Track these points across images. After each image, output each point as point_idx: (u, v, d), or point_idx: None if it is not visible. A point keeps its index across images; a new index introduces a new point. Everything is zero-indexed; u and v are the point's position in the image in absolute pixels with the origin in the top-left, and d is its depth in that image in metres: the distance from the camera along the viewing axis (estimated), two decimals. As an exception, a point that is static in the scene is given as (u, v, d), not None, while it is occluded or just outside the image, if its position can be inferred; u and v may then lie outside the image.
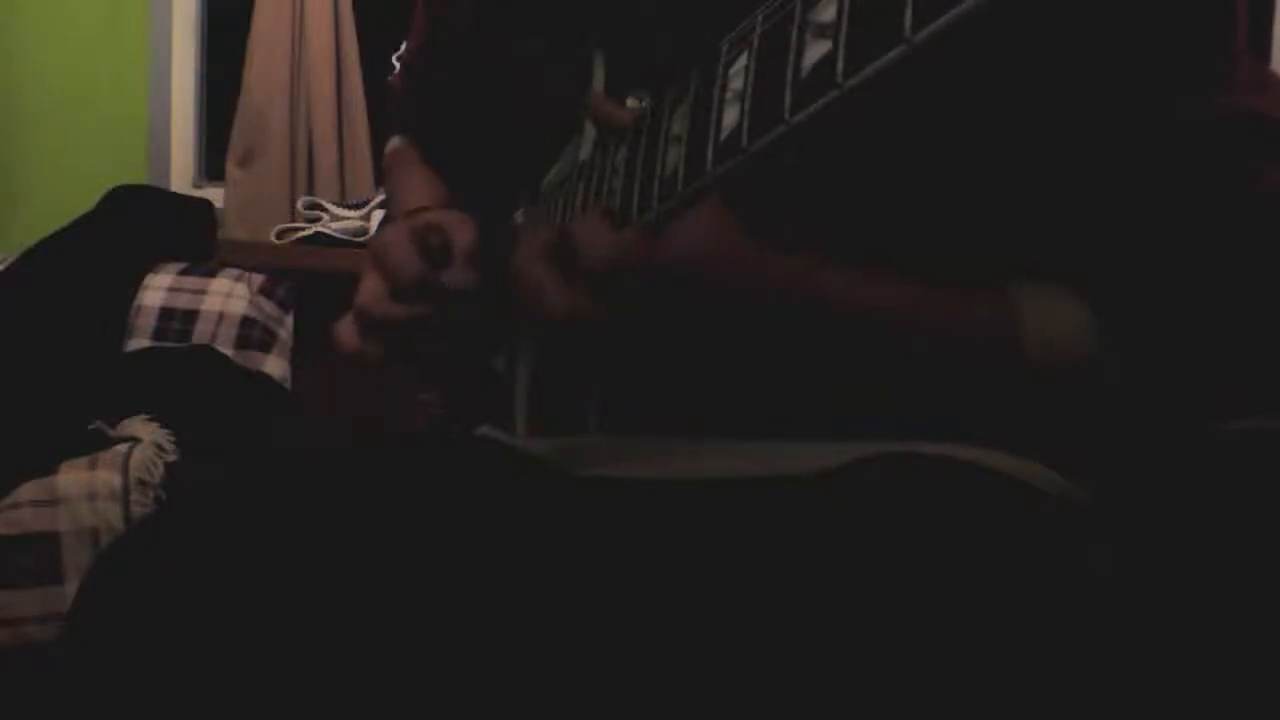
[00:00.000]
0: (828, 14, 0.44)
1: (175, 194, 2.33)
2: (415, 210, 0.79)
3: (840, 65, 0.42)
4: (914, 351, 0.60)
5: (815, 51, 0.44)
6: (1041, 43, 0.49)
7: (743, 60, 0.50)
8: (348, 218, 2.20)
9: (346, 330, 0.74)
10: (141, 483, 1.50)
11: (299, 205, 2.26)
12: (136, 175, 2.35)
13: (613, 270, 0.55)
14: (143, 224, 2.12)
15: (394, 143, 1.04)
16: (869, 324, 0.59)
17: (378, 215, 2.17)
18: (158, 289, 2.01)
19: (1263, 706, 0.68)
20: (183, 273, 2.05)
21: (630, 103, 0.67)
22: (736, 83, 0.50)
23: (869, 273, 0.58)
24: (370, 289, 0.73)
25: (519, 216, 0.81)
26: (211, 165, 2.52)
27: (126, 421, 1.62)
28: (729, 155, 0.49)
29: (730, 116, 0.50)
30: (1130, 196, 0.59)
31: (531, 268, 0.58)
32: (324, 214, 2.21)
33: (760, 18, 0.49)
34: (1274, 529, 0.73)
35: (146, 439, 1.57)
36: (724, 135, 0.50)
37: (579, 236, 0.57)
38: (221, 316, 1.98)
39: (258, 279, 2.05)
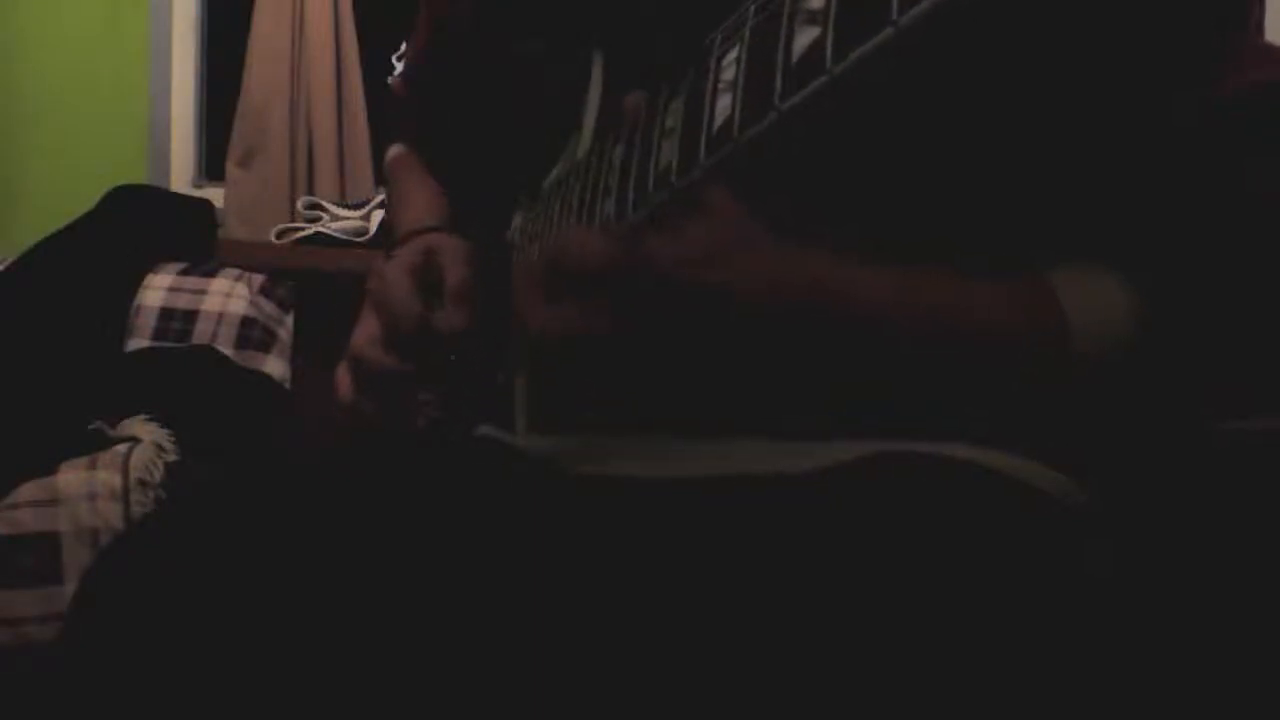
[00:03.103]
0: (817, 1, 0.44)
1: (175, 194, 2.33)
2: (414, 233, 0.79)
3: (829, 51, 0.42)
4: (953, 353, 0.59)
5: (805, 38, 0.44)
6: (1034, 24, 0.49)
7: (735, 51, 0.50)
8: (348, 218, 2.20)
9: (343, 378, 0.73)
10: (141, 483, 1.50)
11: (299, 205, 2.26)
12: (136, 175, 2.35)
13: (606, 276, 0.54)
14: (143, 224, 2.12)
15: (395, 149, 1.04)
16: (903, 331, 0.58)
17: (378, 215, 2.17)
18: (158, 289, 2.02)
19: (1263, 706, 0.68)
20: (183, 273, 2.05)
21: (628, 101, 0.67)
22: (728, 73, 0.50)
23: (900, 275, 0.57)
24: (366, 334, 0.72)
25: (519, 217, 0.81)
26: (211, 165, 2.52)
27: (126, 421, 1.62)
28: (721, 146, 0.49)
29: (722, 107, 0.50)
30: (1145, 181, 0.59)
31: (521, 293, 0.58)
32: (324, 214, 2.21)
33: (752, 9, 0.49)
34: (1274, 529, 0.73)
35: (146, 439, 1.57)
36: (716, 126, 0.50)
37: (565, 249, 0.55)
38: (221, 316, 1.98)
39: (258, 279, 2.05)
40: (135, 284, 2.01)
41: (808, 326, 0.56)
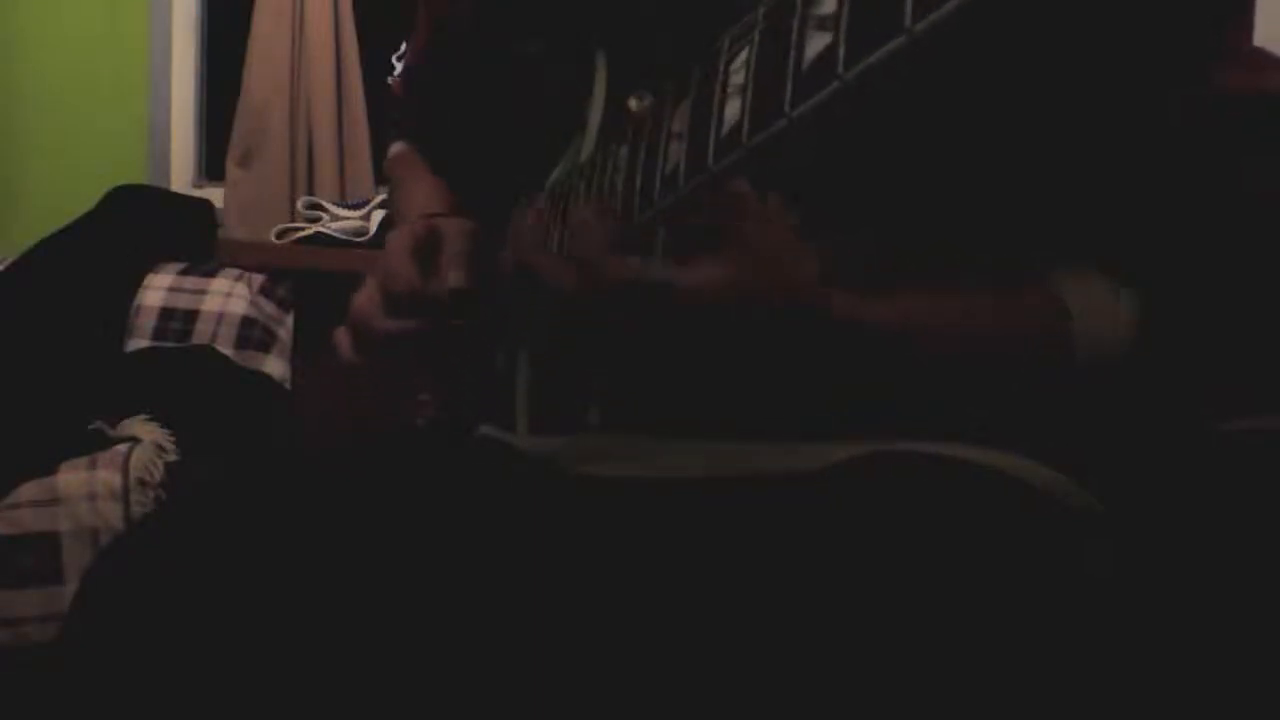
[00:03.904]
0: (828, 6, 0.44)
1: (175, 194, 2.33)
2: (422, 218, 0.79)
3: (841, 57, 0.42)
4: (963, 363, 0.60)
5: (816, 44, 0.44)
6: (1046, 31, 0.49)
7: (744, 55, 0.50)
8: (348, 218, 2.20)
9: (343, 339, 0.74)
10: (141, 483, 1.50)
11: (299, 205, 2.26)
12: (136, 175, 2.35)
13: (622, 291, 0.55)
14: (143, 224, 2.12)
15: (396, 148, 1.04)
16: (921, 347, 0.59)
17: (378, 215, 2.17)
18: (158, 289, 2.01)
19: (1263, 706, 0.68)
20: (183, 273, 2.05)
21: (633, 103, 0.67)
22: (738, 78, 0.50)
23: (914, 293, 0.58)
24: (366, 299, 0.73)
25: (520, 217, 0.81)
26: (211, 165, 2.52)
27: (126, 421, 1.62)
28: (730, 150, 0.49)
29: (731, 112, 0.49)
30: (1145, 186, 0.59)
31: (536, 252, 0.58)
32: (324, 214, 2.21)
33: (761, 13, 0.49)
34: (1275, 529, 0.73)
35: (146, 439, 1.57)
36: (725, 130, 0.50)
37: (583, 249, 0.56)
38: (221, 316, 1.98)
39: (258, 279, 2.05)
40: (135, 284, 2.01)
41: (817, 348, 0.57)
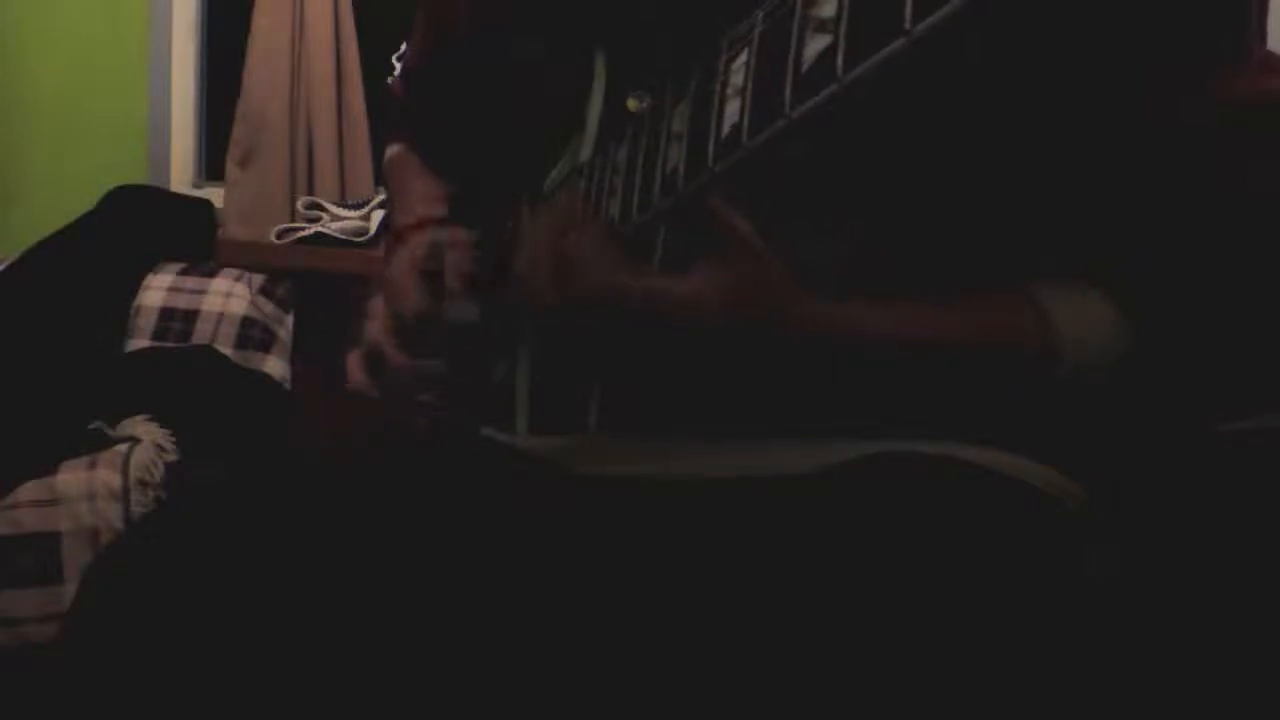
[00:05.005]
0: (828, 9, 0.44)
1: (175, 194, 2.33)
2: (418, 224, 0.80)
3: (840, 59, 0.42)
4: (951, 373, 0.61)
5: (816, 46, 0.44)
6: (1045, 35, 0.49)
7: (743, 57, 0.50)
8: (348, 218, 2.20)
9: (355, 365, 0.76)
10: (141, 483, 1.50)
11: (299, 205, 2.26)
12: (136, 175, 2.35)
13: (611, 295, 0.56)
14: (143, 224, 2.12)
15: (393, 148, 1.04)
16: (906, 359, 0.60)
17: (378, 215, 2.17)
18: (158, 289, 2.02)
19: (1264, 706, 0.68)
20: (183, 273, 2.05)
21: (632, 103, 0.67)
22: (737, 79, 0.50)
23: (902, 306, 0.59)
24: (380, 327, 0.75)
25: (520, 218, 0.81)
26: (211, 165, 2.52)
27: (126, 421, 1.62)
28: (730, 151, 0.49)
29: (731, 113, 0.50)
30: (1135, 193, 0.59)
31: (534, 265, 0.59)
32: (324, 214, 2.21)
33: (761, 15, 0.49)
34: (1274, 529, 0.73)
35: (146, 439, 1.57)
36: (725, 131, 0.50)
37: (581, 251, 0.57)
38: (221, 316, 1.98)
39: (258, 279, 2.05)
40: (135, 284, 2.02)
41: (802, 354, 0.58)
